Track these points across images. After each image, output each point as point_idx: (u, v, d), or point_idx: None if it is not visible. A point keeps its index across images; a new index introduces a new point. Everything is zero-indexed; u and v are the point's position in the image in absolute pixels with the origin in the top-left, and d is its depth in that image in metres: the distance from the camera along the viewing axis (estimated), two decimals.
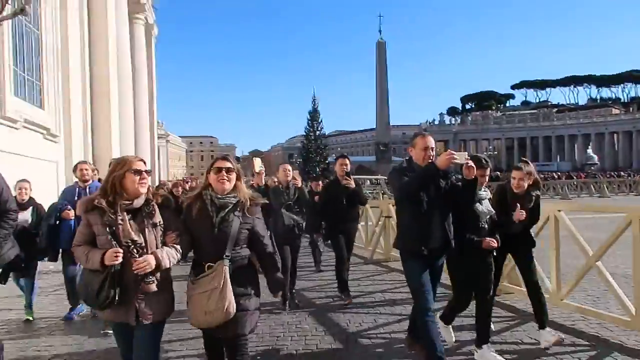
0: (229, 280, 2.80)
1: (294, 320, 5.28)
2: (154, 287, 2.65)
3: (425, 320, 3.45)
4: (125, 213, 2.64)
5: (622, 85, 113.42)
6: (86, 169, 5.64)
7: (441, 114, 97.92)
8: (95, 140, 18.95)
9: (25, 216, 5.34)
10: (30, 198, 5.52)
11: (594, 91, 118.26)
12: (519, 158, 3.63)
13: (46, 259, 5.45)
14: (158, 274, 2.68)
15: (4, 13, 9.15)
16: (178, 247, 2.79)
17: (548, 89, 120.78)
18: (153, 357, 2.76)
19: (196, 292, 2.83)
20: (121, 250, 2.53)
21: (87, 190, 5.43)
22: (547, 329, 4.21)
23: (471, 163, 3.28)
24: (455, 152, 3.20)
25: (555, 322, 4.80)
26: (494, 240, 3.87)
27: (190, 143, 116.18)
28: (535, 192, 4.28)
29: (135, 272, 2.55)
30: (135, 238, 2.60)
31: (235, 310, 2.79)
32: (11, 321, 5.53)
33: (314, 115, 72.38)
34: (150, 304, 2.66)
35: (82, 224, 2.74)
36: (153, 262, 2.60)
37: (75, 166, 5.77)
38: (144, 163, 2.79)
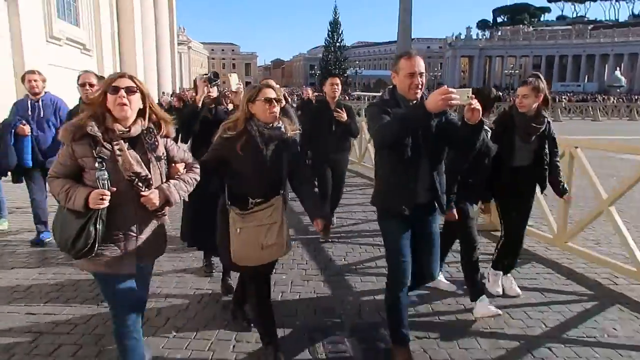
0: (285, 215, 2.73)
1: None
2: (166, 219, 2.40)
3: (397, 295, 2.82)
4: (122, 142, 2.15)
5: None
6: (35, 80, 4.77)
7: (468, 28, 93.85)
8: (122, 50, 21.86)
9: None
10: None
11: (637, 6, 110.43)
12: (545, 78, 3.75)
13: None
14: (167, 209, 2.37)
15: None
16: (188, 176, 2.42)
17: (588, 3, 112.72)
18: (145, 297, 2.53)
19: (250, 226, 2.62)
20: (108, 193, 2.06)
21: (41, 102, 4.78)
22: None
23: (476, 104, 2.40)
24: (454, 90, 2.35)
25: (558, 264, 4.57)
26: (454, 214, 3.35)
27: (212, 50, 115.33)
28: (546, 116, 3.54)
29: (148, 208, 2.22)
30: (139, 170, 2.16)
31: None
32: None
33: (334, 26, 71.56)
34: (147, 242, 2.32)
35: (63, 154, 2.16)
36: (157, 200, 2.20)
37: (23, 76, 4.85)
38: (129, 78, 2.19)
